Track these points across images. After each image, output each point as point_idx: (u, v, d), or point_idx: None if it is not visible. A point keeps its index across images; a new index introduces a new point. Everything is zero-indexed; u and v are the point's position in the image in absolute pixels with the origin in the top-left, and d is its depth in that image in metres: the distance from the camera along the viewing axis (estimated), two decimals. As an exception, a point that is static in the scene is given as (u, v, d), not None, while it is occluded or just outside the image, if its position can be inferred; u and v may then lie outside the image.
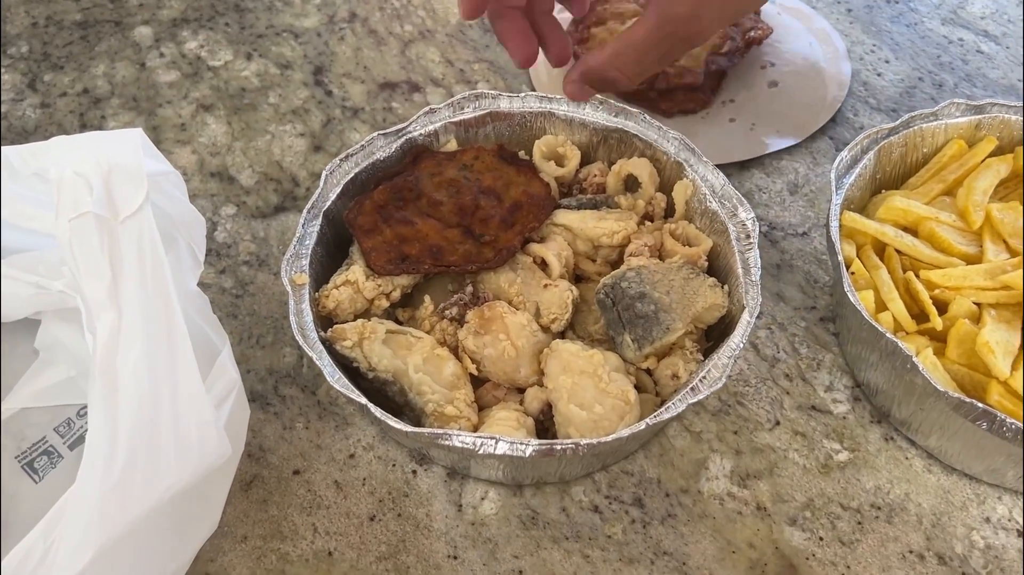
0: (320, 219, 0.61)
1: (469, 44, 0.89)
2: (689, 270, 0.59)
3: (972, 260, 0.62)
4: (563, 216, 0.63)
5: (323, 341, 0.56)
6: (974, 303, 0.60)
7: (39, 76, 0.85)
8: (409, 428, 0.50)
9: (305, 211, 0.61)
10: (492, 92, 0.67)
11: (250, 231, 0.73)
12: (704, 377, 0.53)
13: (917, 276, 0.61)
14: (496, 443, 0.49)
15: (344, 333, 0.56)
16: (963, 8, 0.92)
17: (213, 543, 0.56)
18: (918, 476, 0.60)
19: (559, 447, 0.49)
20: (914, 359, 0.53)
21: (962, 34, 0.89)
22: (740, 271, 0.58)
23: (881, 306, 0.60)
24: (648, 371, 0.58)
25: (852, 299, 0.57)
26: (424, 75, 0.86)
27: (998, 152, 0.68)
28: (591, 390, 0.54)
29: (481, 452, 0.49)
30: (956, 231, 0.64)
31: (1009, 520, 0.57)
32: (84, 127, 0.81)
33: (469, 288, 0.60)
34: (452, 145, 0.67)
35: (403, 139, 0.66)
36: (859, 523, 0.57)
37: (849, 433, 0.61)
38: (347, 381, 0.53)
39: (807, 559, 0.56)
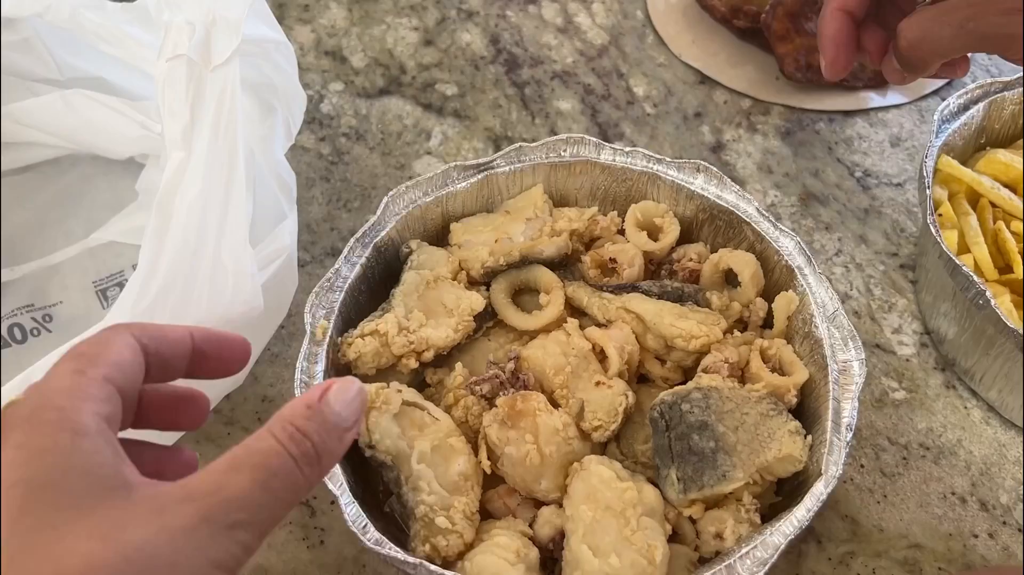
0: (369, 250, 0.54)
1: (591, -33, 0.90)
2: (770, 404, 0.48)
3: (1069, 222, 0.61)
4: (637, 303, 0.53)
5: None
6: (1064, 263, 0.58)
7: (183, -53, 0.90)
8: (373, 545, 0.44)
9: (353, 239, 0.54)
10: (595, 140, 0.58)
11: (353, 107, 0.76)
12: (749, 553, 0.44)
13: (1008, 228, 0.60)
14: None
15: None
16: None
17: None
18: (975, 426, 0.58)
19: None
20: (987, 293, 0.52)
21: (1103, 18, 0.85)
22: (829, 424, 0.48)
23: (964, 249, 0.59)
24: (692, 518, 0.48)
25: (934, 231, 0.56)
26: (542, -11, 0.87)
27: (1118, 122, 0.65)
28: (612, 533, 0.45)
29: None
30: (1058, 193, 0.62)
31: (1063, 482, 0.56)
32: (216, -3, 0.85)
33: (511, 365, 0.51)
34: (539, 190, 0.59)
35: (483, 174, 0.58)
36: (904, 459, 0.57)
37: (910, 375, 0.61)
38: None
39: (844, 482, 0.56)
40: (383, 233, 0.55)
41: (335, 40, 0.82)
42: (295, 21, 0.83)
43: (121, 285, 0.66)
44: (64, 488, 0.30)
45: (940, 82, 0.79)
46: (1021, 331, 0.51)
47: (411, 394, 0.49)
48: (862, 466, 0.56)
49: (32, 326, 0.63)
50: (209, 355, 0.37)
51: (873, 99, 0.78)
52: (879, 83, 0.78)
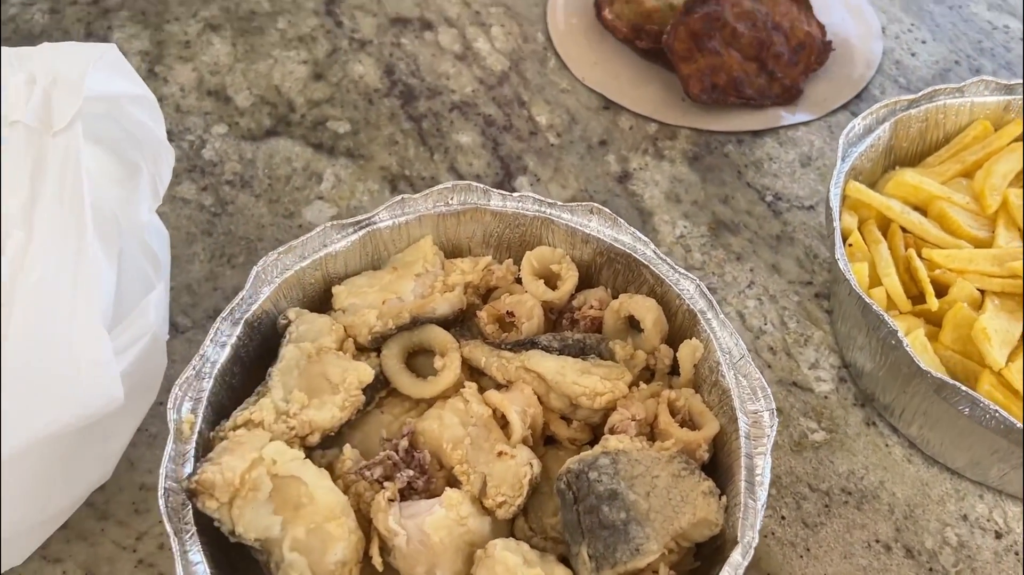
0: (240, 327, 0.49)
1: (489, -12, 0.86)
2: (682, 464, 0.45)
3: (981, 245, 0.59)
4: (538, 360, 0.49)
5: (187, 492, 0.42)
6: (977, 290, 0.56)
7: (52, -18, 0.84)
8: None
9: (220, 317, 0.49)
10: (482, 186, 0.55)
11: (238, 151, 0.71)
12: None
13: (920, 255, 0.58)
14: None
15: (212, 487, 0.41)
16: (1013, -4, 0.87)
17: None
18: (896, 465, 0.56)
19: None
20: (899, 334, 0.50)
21: (1008, 21, 0.84)
22: (743, 484, 0.44)
23: (876, 281, 0.57)
24: None
25: (843, 267, 0.53)
26: (438, 14, 0.83)
27: (1025, 137, 0.64)
28: None
29: None
30: (969, 214, 0.60)
31: (988, 520, 0.54)
32: (90, 36, 0.79)
33: (404, 442, 0.47)
34: (428, 242, 0.55)
35: (364, 231, 0.53)
36: (826, 506, 0.54)
37: (829, 413, 0.58)
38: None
39: (765, 537, 0.53)
40: (255, 307, 0.50)
41: (218, 78, 0.77)
42: (175, 60, 0.78)
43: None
44: None
45: (848, 96, 0.77)
46: (936, 374, 0.48)
47: (290, 461, 0.44)
48: (783, 518, 0.54)
49: None
50: None
51: (783, 117, 0.75)
52: (787, 99, 0.76)
